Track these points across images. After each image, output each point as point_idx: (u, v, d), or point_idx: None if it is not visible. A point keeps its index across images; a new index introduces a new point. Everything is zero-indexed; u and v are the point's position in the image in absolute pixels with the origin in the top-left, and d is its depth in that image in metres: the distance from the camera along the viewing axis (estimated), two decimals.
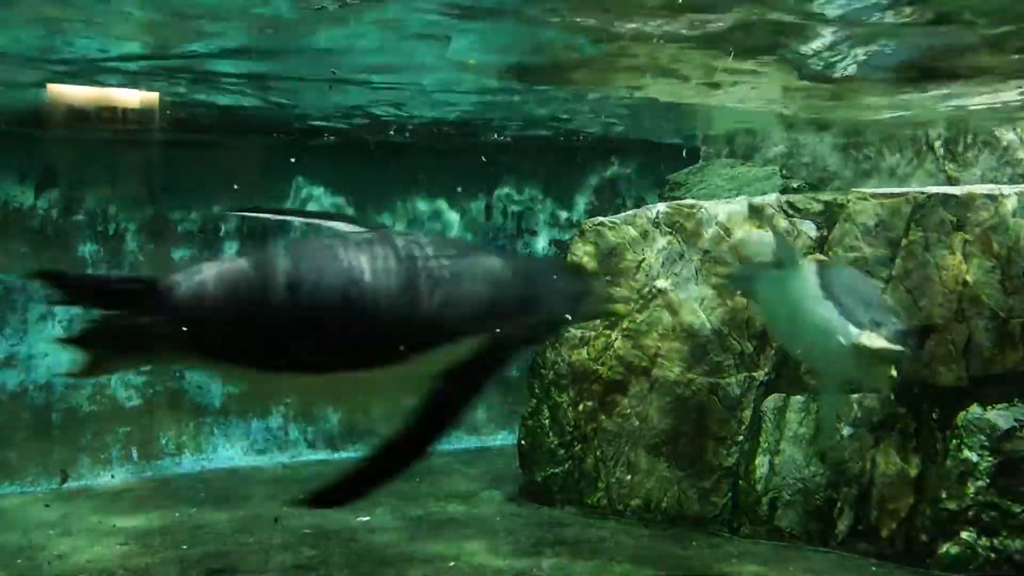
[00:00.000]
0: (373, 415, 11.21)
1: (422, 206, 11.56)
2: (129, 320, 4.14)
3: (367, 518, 8.38)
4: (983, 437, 6.80)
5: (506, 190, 11.89)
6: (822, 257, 6.71)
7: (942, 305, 7.10)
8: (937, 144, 8.71)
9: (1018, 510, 6.62)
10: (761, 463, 7.75)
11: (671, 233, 8.25)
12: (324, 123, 9.98)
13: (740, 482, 7.83)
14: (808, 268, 5.75)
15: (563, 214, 12.06)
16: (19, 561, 7.31)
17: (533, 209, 11.98)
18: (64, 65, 7.33)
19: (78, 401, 9.87)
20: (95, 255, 10.05)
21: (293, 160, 10.87)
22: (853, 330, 5.25)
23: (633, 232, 8.44)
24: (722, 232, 8.02)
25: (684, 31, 6.24)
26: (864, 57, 6.71)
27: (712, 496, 7.89)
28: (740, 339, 7.86)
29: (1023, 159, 8.32)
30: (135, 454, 10.07)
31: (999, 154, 8.39)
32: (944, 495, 6.92)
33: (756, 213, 7.97)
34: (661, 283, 8.22)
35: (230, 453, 10.53)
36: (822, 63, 6.90)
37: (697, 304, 8.06)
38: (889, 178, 8.97)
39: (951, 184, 8.34)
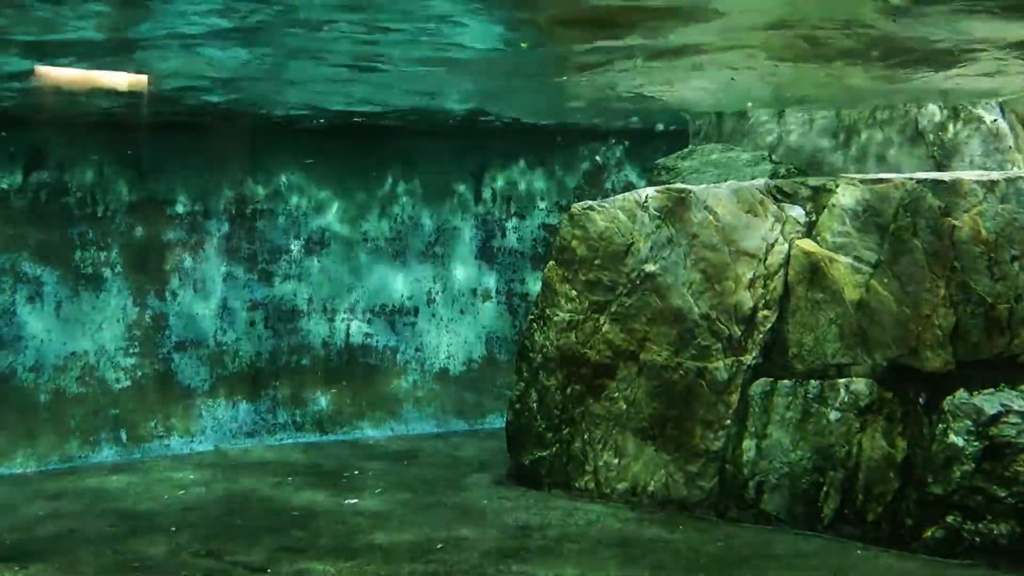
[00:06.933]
0: (361, 400, 11.25)
1: (409, 190, 11.53)
2: None
3: (355, 501, 8.39)
4: (969, 422, 6.82)
5: (495, 173, 11.87)
6: None
7: (930, 291, 7.13)
8: (927, 129, 8.71)
9: (1003, 494, 6.65)
10: (748, 447, 7.77)
11: (660, 217, 8.26)
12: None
13: (727, 466, 7.85)
14: None
15: (552, 198, 12.04)
16: None
17: (522, 192, 11.96)
18: None
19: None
20: (83, 236, 10.02)
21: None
22: None
23: (622, 216, 8.44)
24: (710, 217, 8.03)
25: None
26: None
27: (699, 480, 7.92)
28: (728, 323, 7.87)
29: (1011, 145, 8.33)
30: (124, 436, 10.06)
31: (988, 139, 8.39)
32: (930, 479, 6.94)
33: (745, 198, 7.98)
34: (649, 267, 8.23)
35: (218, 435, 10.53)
36: None
37: (685, 288, 8.07)
38: (878, 163, 8.97)
39: (940, 170, 8.34)
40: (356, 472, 9.38)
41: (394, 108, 9.55)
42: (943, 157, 8.54)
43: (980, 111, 8.45)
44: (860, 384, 7.39)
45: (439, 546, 7.19)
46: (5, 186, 9.66)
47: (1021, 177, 7.04)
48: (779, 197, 7.93)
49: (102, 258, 10.08)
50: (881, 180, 7.50)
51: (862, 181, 7.57)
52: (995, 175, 7.15)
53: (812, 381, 7.60)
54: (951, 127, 8.58)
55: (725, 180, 8.90)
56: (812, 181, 7.96)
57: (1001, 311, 6.91)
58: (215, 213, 10.67)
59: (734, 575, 6.64)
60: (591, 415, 8.43)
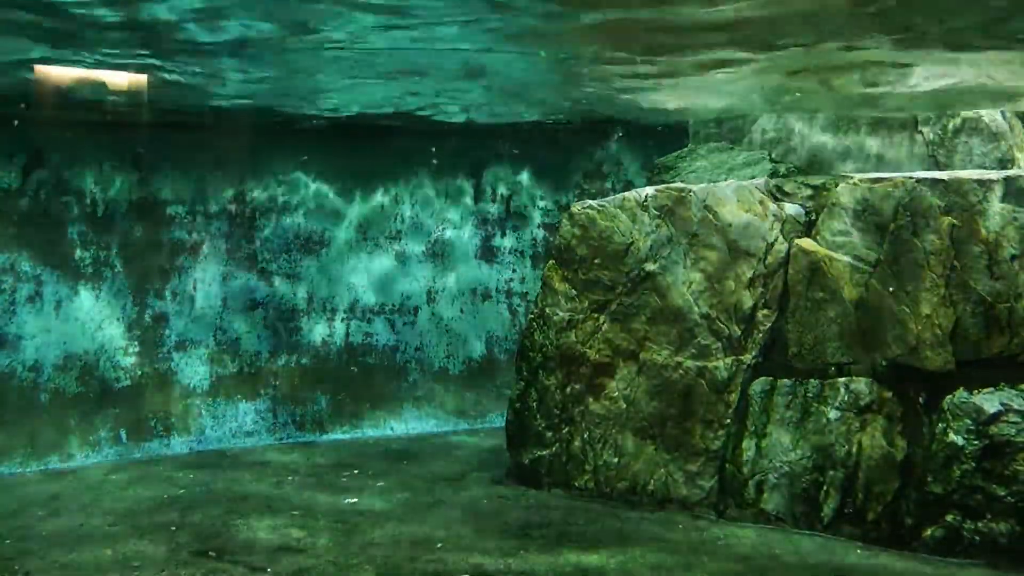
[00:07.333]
0: (361, 397, 11.24)
1: (409, 189, 11.53)
2: None
3: (355, 500, 8.39)
4: (969, 421, 6.82)
5: (495, 172, 11.86)
6: None
7: (929, 290, 7.12)
8: (926, 129, 8.71)
9: (1003, 493, 6.65)
10: (748, 446, 7.77)
11: (659, 216, 8.25)
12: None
13: (727, 465, 7.85)
14: None
15: (552, 197, 12.04)
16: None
17: (522, 192, 11.95)
18: None
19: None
20: (83, 236, 10.02)
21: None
22: None
23: (622, 215, 8.44)
24: (710, 216, 8.03)
25: None
26: None
27: (699, 479, 7.92)
28: (728, 322, 7.87)
29: (1012, 145, 8.32)
30: (124, 435, 10.06)
31: (988, 139, 8.39)
32: (930, 479, 6.94)
33: (745, 197, 7.97)
34: (649, 266, 8.22)
35: (219, 434, 10.53)
36: None
37: (685, 288, 8.07)
38: (878, 163, 8.97)
39: (940, 169, 8.34)
40: (355, 471, 9.39)
41: None
42: (943, 156, 8.54)
43: (980, 110, 8.45)
44: (860, 383, 7.39)
45: (439, 546, 7.20)
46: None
47: (1021, 177, 7.04)
48: (779, 196, 7.93)
49: None
50: (881, 179, 7.49)
51: (862, 180, 7.57)
52: (995, 175, 7.15)
53: (812, 380, 7.60)
54: (950, 126, 8.58)
55: (725, 179, 8.90)
56: (812, 180, 7.96)
57: (1001, 310, 6.91)
58: None
59: (733, 574, 6.63)
60: (591, 414, 8.43)
